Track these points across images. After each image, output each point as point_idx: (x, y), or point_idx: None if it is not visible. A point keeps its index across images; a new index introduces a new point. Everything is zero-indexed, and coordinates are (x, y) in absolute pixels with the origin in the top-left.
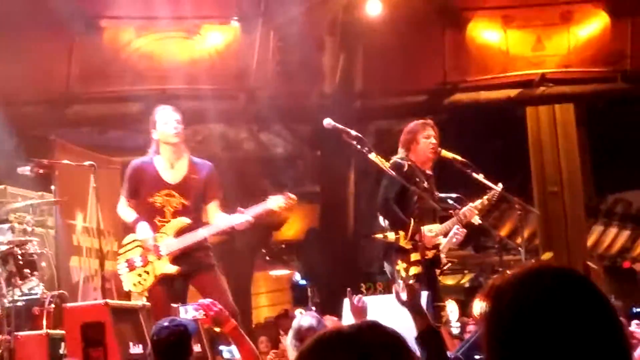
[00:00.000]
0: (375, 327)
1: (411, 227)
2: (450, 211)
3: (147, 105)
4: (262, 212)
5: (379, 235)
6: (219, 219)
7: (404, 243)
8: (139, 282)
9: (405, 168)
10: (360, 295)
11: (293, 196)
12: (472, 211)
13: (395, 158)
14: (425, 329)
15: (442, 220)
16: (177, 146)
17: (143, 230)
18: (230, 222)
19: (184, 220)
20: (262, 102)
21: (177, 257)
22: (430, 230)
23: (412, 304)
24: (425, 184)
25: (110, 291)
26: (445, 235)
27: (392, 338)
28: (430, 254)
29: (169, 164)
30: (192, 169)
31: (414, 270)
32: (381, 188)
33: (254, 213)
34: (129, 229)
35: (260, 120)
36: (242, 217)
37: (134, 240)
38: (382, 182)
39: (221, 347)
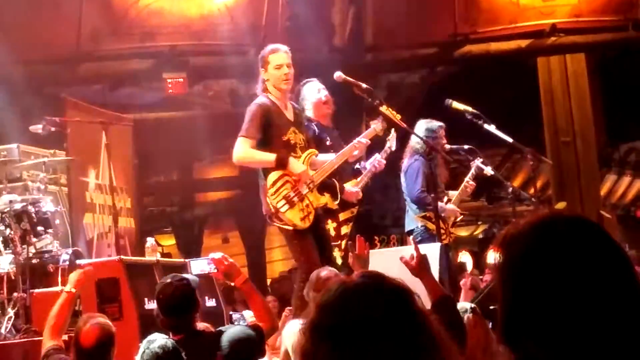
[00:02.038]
0: (378, 280)
1: (337, 188)
2: (455, 165)
3: (157, 62)
4: (371, 136)
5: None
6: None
7: (332, 205)
8: (307, 217)
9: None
10: (358, 243)
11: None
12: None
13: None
14: (439, 297)
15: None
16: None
17: (296, 164)
18: (351, 146)
19: (314, 152)
20: None
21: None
22: (352, 185)
23: (422, 272)
24: (329, 141)
25: (124, 247)
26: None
27: (396, 290)
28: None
29: (282, 103)
30: (294, 107)
31: (345, 229)
32: None
33: (365, 136)
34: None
35: None
36: (356, 141)
37: (283, 175)
38: None
39: (231, 313)
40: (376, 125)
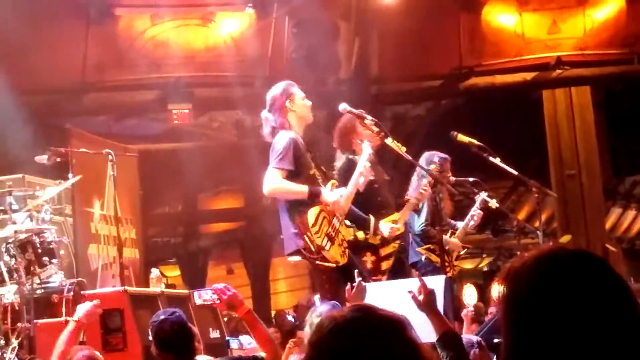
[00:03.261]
0: (369, 313)
1: (372, 223)
2: (460, 198)
3: (162, 93)
4: (370, 159)
5: (351, 237)
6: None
7: (372, 240)
8: (344, 253)
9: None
10: (358, 280)
11: None
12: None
13: (347, 157)
14: (445, 331)
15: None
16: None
17: (329, 193)
18: (358, 175)
19: (335, 183)
20: None
21: None
22: (393, 221)
23: (429, 307)
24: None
25: (129, 278)
26: (404, 222)
27: (387, 323)
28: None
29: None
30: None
31: (385, 264)
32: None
33: (365, 161)
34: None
35: None
36: (361, 168)
37: (320, 212)
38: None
39: (227, 338)
40: (366, 145)
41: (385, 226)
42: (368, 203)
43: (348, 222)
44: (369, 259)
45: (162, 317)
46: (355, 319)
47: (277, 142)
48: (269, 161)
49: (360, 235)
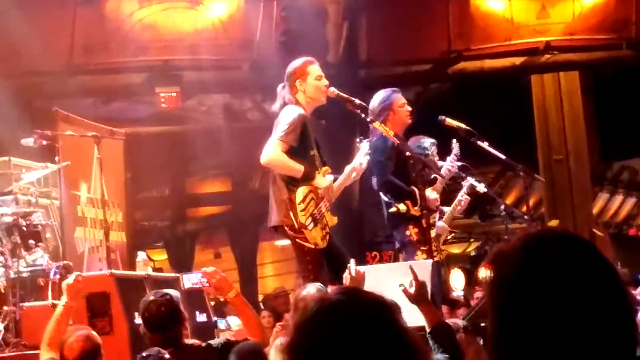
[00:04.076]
0: (355, 297)
1: (418, 195)
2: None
3: (150, 76)
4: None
5: (393, 209)
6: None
7: (414, 211)
8: (325, 237)
9: (397, 141)
10: (354, 265)
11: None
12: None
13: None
14: (437, 324)
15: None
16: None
17: (322, 179)
18: (351, 169)
19: (328, 170)
20: (265, 72)
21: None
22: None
23: (421, 299)
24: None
25: (116, 262)
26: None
27: (372, 306)
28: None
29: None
30: None
31: (432, 233)
32: (376, 166)
33: (361, 157)
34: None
35: (264, 90)
36: (357, 164)
37: (310, 192)
38: (375, 157)
39: (215, 319)
40: (364, 146)
41: (433, 194)
42: (406, 178)
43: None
44: (412, 231)
45: (152, 297)
46: (340, 302)
47: (285, 115)
48: (253, 146)
49: (402, 207)
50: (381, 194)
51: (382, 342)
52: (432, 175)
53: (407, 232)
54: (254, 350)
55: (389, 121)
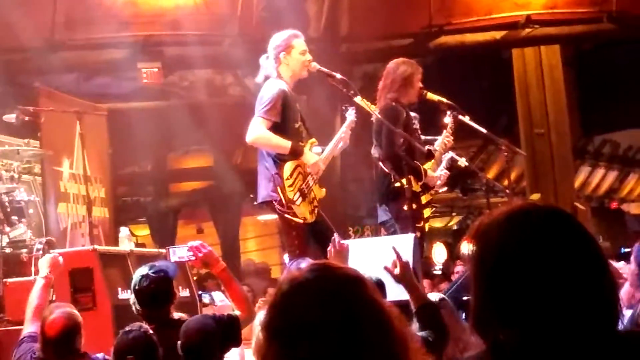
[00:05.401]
0: (325, 273)
1: (422, 171)
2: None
3: (132, 52)
4: (351, 126)
5: (397, 184)
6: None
7: (416, 187)
8: (313, 211)
9: (405, 115)
10: (337, 239)
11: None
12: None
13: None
14: (422, 304)
15: None
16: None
17: (310, 154)
18: (338, 139)
19: (315, 142)
20: (247, 48)
21: None
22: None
23: (405, 279)
24: (416, 125)
25: (98, 237)
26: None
27: (345, 281)
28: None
29: (293, 90)
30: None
31: (427, 212)
32: (383, 138)
33: (347, 127)
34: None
35: (246, 65)
36: (342, 134)
37: (297, 167)
38: (382, 130)
39: (200, 292)
40: (350, 114)
41: (438, 172)
42: (411, 153)
43: None
44: (408, 206)
45: (146, 272)
46: (313, 279)
47: (265, 91)
48: (235, 121)
49: (405, 182)
50: (381, 164)
51: (353, 317)
52: (426, 147)
53: (405, 207)
54: (200, 325)
55: (404, 94)
